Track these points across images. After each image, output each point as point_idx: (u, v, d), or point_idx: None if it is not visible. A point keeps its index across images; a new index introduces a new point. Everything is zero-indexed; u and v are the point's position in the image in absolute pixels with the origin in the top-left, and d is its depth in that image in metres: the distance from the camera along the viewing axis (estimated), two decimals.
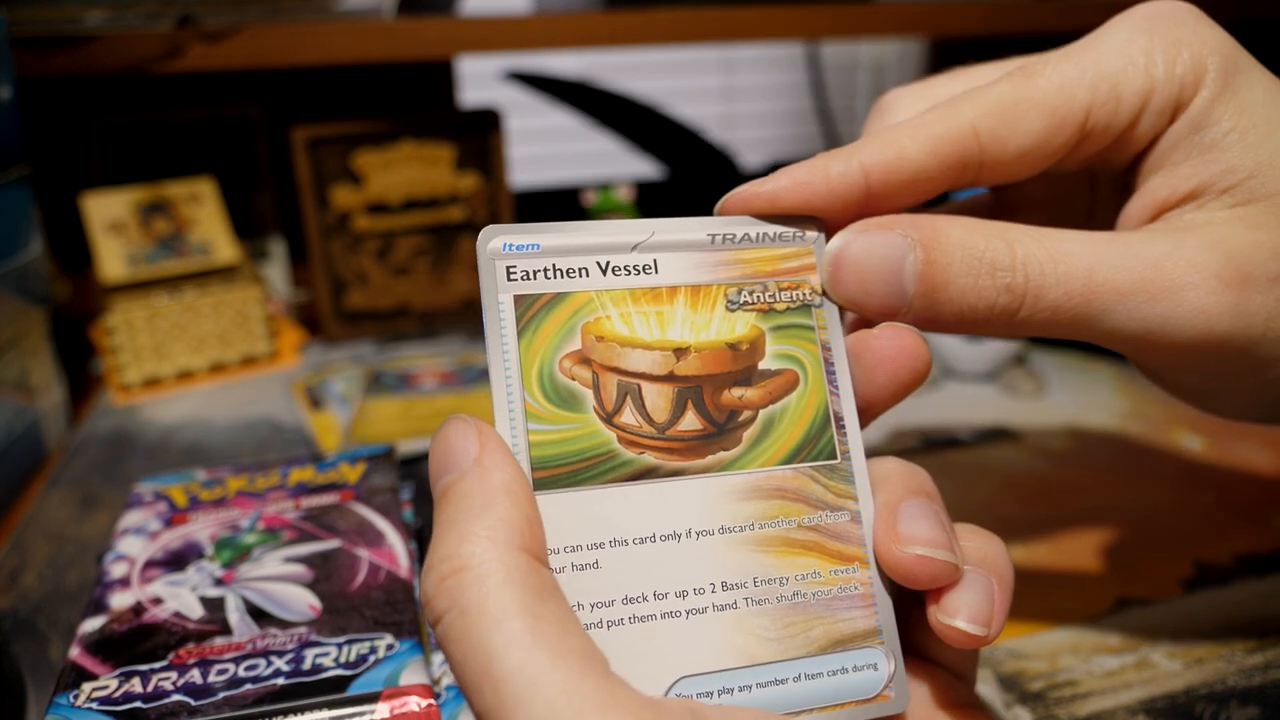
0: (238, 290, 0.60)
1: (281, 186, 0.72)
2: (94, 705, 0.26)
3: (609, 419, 0.21)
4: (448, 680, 0.30)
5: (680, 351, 0.22)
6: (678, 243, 0.23)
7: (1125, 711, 0.32)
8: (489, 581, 0.18)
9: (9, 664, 0.33)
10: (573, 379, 0.21)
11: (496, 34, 0.64)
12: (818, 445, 0.23)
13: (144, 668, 0.28)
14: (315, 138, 0.64)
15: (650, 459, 0.21)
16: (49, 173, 0.66)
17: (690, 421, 0.22)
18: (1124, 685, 0.33)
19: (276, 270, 0.72)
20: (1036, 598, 0.38)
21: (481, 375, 0.58)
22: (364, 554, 0.33)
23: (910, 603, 0.23)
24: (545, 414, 0.21)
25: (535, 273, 0.22)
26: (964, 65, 0.29)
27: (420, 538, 0.37)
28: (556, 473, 0.21)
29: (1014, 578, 0.23)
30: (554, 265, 0.22)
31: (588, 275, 0.22)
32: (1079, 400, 0.55)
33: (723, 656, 0.21)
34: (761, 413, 0.22)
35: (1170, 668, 0.34)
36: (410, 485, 0.40)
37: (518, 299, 0.22)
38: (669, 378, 0.22)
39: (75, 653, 0.29)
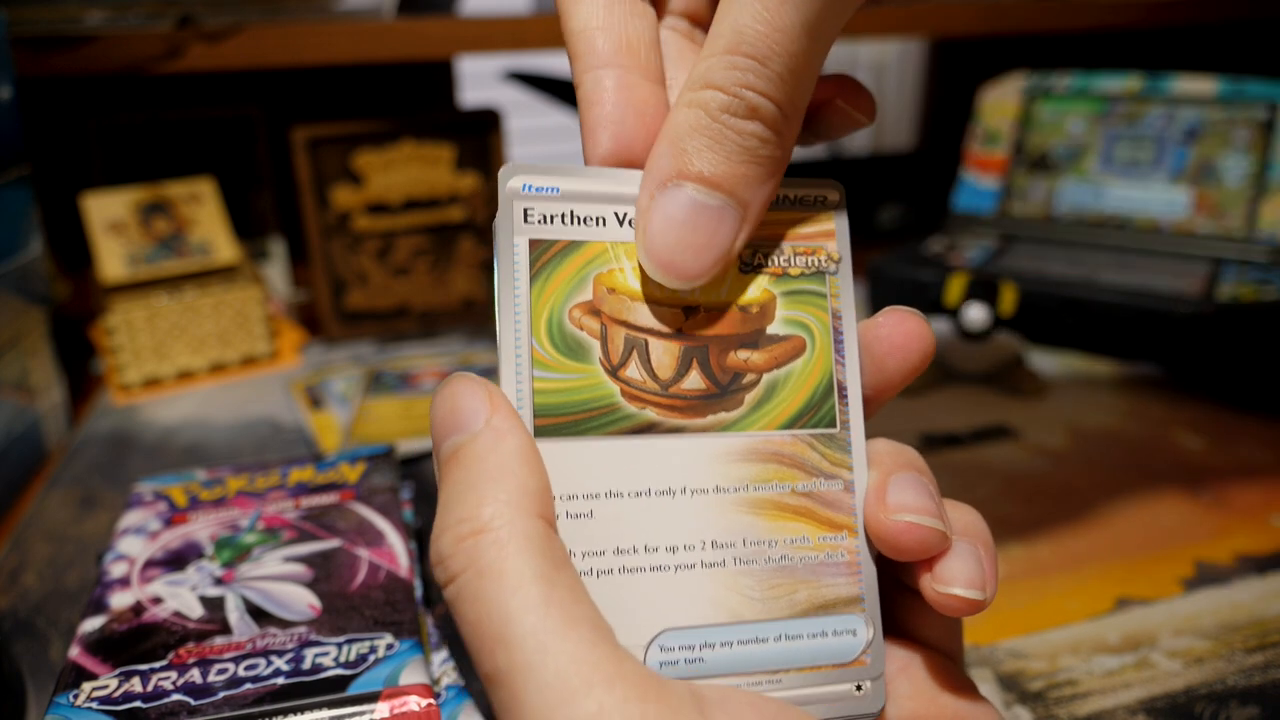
0: (238, 290, 0.60)
1: (281, 186, 0.72)
2: (94, 705, 0.26)
3: (614, 372, 0.21)
4: (448, 680, 0.30)
5: (690, 310, 0.22)
6: None
7: (1125, 711, 0.32)
8: (508, 545, 0.18)
9: (9, 664, 0.33)
10: (581, 329, 0.21)
11: (496, 34, 0.64)
12: (818, 413, 0.23)
13: (144, 667, 0.28)
14: (315, 138, 0.64)
15: (651, 414, 0.22)
16: (49, 173, 0.66)
17: (694, 380, 0.22)
18: (1124, 685, 0.33)
19: (276, 270, 0.72)
20: (1036, 598, 0.38)
21: (481, 375, 0.58)
22: (364, 554, 0.33)
23: (897, 585, 0.23)
24: (552, 362, 0.21)
25: (552, 217, 0.22)
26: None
27: (420, 537, 0.37)
28: (558, 421, 0.21)
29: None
30: (572, 211, 0.22)
31: (604, 225, 0.22)
32: (1079, 400, 0.55)
33: (707, 612, 0.21)
34: (765, 376, 0.22)
35: (1170, 668, 0.34)
36: (410, 485, 0.40)
37: (533, 243, 0.21)
38: (677, 335, 0.22)
39: (75, 652, 0.29)
